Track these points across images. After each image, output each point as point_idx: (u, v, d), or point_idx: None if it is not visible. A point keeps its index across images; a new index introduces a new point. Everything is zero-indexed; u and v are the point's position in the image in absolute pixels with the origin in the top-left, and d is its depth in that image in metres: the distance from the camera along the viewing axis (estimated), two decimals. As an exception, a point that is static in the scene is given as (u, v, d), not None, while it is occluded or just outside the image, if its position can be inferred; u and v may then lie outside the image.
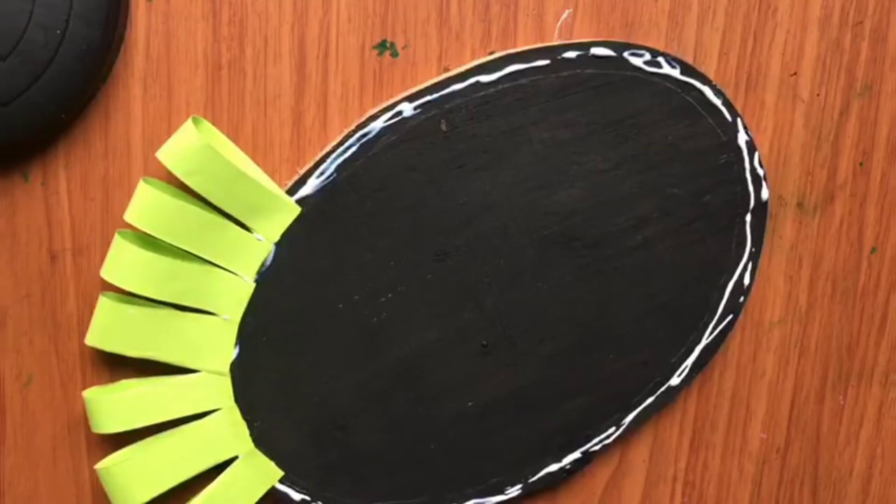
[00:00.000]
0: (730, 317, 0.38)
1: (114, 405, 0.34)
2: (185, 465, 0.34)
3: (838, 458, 0.41)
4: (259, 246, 0.34)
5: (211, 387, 0.35)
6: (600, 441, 0.38)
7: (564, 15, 0.35)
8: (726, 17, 0.35)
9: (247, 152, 0.35)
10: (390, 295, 0.35)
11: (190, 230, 0.33)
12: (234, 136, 0.35)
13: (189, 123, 0.32)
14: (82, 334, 0.36)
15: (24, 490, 0.37)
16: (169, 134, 0.34)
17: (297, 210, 0.34)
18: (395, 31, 0.34)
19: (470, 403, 0.36)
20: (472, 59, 0.35)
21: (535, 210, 0.35)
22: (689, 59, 0.36)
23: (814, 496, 0.41)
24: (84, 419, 0.36)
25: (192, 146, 0.32)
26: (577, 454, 0.38)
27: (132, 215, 0.33)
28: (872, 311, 0.40)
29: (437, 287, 0.35)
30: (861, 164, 0.38)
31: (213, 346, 0.34)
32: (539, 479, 0.38)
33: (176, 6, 0.34)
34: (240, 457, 0.35)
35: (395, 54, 0.35)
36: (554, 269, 0.36)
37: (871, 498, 0.41)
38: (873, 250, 0.39)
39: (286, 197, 0.34)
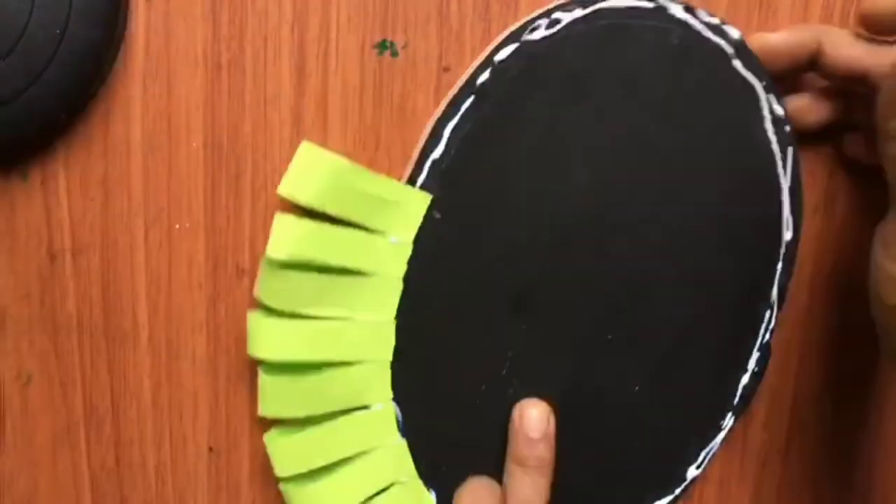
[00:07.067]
0: None
1: (292, 447, 0.34)
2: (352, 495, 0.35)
3: (838, 458, 0.41)
4: (398, 248, 0.34)
5: (379, 420, 0.35)
6: None
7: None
8: (727, 17, 0.35)
9: (246, 152, 0.35)
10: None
11: (334, 248, 0.33)
12: (234, 136, 0.35)
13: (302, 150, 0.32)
14: (82, 334, 0.36)
15: (23, 490, 0.37)
16: (169, 133, 0.34)
17: (428, 198, 0.33)
18: (395, 30, 0.34)
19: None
20: (472, 58, 0.35)
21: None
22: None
23: (814, 496, 0.41)
24: (83, 419, 0.36)
25: (318, 169, 0.32)
26: None
27: (274, 248, 0.32)
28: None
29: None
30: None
31: (374, 342, 0.34)
32: None
33: (176, 6, 0.34)
34: (398, 483, 0.35)
35: (395, 54, 0.35)
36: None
37: (870, 498, 0.41)
38: (873, 250, 0.39)
39: (412, 189, 0.33)
